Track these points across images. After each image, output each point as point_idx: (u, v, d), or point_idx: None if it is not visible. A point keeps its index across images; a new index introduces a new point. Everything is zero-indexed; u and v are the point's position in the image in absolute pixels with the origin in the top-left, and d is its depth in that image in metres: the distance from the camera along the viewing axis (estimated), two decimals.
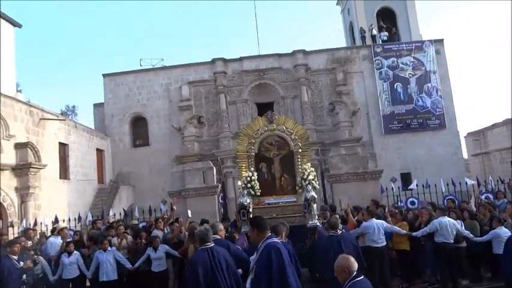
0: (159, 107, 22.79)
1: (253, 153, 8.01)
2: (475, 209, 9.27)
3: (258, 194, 7.72)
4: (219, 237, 5.50)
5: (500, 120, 23.88)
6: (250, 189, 7.60)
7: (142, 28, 65.71)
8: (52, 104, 68.27)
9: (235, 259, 5.10)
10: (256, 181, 7.68)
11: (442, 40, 23.41)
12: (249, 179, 7.68)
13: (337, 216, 7.57)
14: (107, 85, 23.21)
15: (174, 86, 22.79)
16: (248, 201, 7.16)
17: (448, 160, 21.21)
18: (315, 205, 7.10)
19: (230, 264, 4.53)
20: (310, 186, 7.34)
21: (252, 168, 7.89)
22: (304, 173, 7.67)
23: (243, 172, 7.87)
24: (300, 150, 8.02)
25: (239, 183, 8.18)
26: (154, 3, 65.78)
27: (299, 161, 7.95)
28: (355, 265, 3.62)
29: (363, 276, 3.57)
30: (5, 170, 14.02)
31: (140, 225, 10.37)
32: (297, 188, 7.80)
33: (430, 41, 23.09)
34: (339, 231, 5.89)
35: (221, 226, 5.89)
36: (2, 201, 13.87)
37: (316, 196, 7.19)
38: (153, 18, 66.97)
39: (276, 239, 4.40)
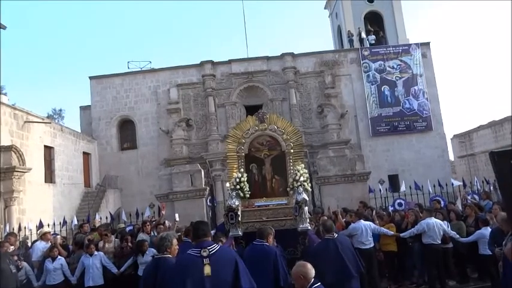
0: (147, 109, 22.63)
1: (243, 154, 7.71)
2: (461, 210, 9.34)
3: (248, 196, 7.45)
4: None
5: (486, 122, 24.27)
6: (239, 191, 7.31)
7: (130, 30, 65.35)
8: (39, 107, 67.39)
9: None
10: (245, 182, 7.40)
11: (429, 43, 23.72)
12: (238, 180, 7.38)
13: (326, 218, 7.58)
14: (94, 88, 22.96)
15: (162, 89, 22.67)
16: (237, 203, 6.84)
17: (434, 162, 21.47)
18: (306, 208, 6.79)
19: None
20: (301, 188, 6.97)
21: (242, 169, 7.61)
22: (296, 174, 7.32)
23: (233, 173, 7.59)
24: (292, 151, 7.70)
25: (227, 184, 7.91)
26: (143, 5, 65.48)
27: (291, 162, 7.65)
28: (312, 272, 3.60)
29: (319, 283, 3.60)
30: None
31: (127, 229, 10.22)
32: (288, 189, 7.47)
33: (417, 44, 23.38)
34: (335, 235, 5.61)
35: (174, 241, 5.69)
36: None
37: (307, 198, 6.91)
38: (141, 21, 66.66)
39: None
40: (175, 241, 4.65)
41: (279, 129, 7.79)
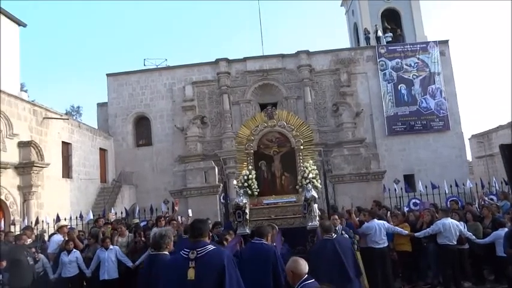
0: (162, 107, 22.82)
1: (252, 151, 7.55)
2: (478, 211, 9.18)
3: (256, 193, 7.30)
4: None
5: (505, 122, 23.69)
6: (247, 189, 7.18)
7: (146, 28, 65.97)
8: (57, 104, 68.74)
9: None
10: (253, 180, 7.27)
11: (447, 41, 23.29)
12: (246, 177, 7.25)
13: (337, 217, 7.49)
14: (111, 85, 23.27)
15: (177, 86, 22.82)
16: (244, 201, 6.73)
17: (451, 162, 21.09)
18: (315, 205, 6.58)
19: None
20: (310, 185, 6.79)
21: (251, 167, 7.46)
22: (305, 171, 7.17)
23: (243, 171, 7.49)
24: (302, 147, 7.50)
25: (234, 182, 7.87)
26: (159, 4, 66.00)
27: (301, 159, 7.45)
28: (303, 267, 3.50)
29: (313, 280, 3.50)
30: (8, 168, 14.08)
31: (141, 224, 10.37)
32: (297, 187, 7.30)
33: (435, 42, 22.98)
34: (334, 235, 5.47)
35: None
36: (4, 199, 13.92)
37: (316, 196, 6.70)
38: (157, 19, 67.24)
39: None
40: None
41: (288, 126, 7.62)
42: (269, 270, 4.70)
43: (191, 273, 3.31)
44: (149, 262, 4.51)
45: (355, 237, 7.32)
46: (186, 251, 3.46)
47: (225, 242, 6.43)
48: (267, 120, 7.70)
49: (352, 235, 7.35)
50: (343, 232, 7.11)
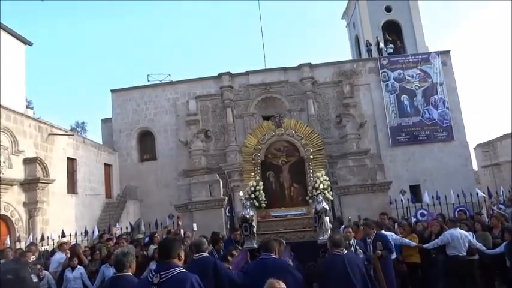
0: (166, 121, 22.90)
1: (260, 161, 7.15)
2: (487, 220, 9.04)
3: (263, 205, 6.95)
4: (206, 254, 5.15)
5: (510, 131, 23.55)
6: (254, 201, 6.82)
7: (149, 44, 66.71)
8: (62, 120, 68.92)
9: (225, 279, 4.76)
10: (261, 191, 6.90)
11: (449, 51, 23.35)
12: (253, 188, 6.90)
13: (351, 229, 7.26)
14: (115, 101, 23.42)
15: (181, 101, 22.93)
16: (251, 213, 6.35)
17: (457, 172, 20.92)
18: (326, 218, 6.17)
19: None
20: (321, 197, 6.38)
21: (258, 177, 7.09)
22: (316, 181, 6.75)
23: (250, 182, 7.14)
24: (312, 157, 7.10)
25: (240, 193, 7.39)
26: (161, 20, 66.87)
27: (311, 169, 7.07)
28: None
29: None
30: (14, 185, 14.08)
31: (146, 239, 10.28)
32: (307, 198, 6.89)
33: (437, 52, 23.04)
34: (344, 251, 4.97)
35: (206, 244, 5.40)
36: (10, 216, 13.89)
37: (328, 208, 6.29)
38: (160, 35, 68.02)
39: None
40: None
41: (296, 134, 7.20)
42: (292, 282, 4.42)
43: None
44: (111, 285, 4.06)
45: (377, 253, 6.81)
46: (152, 274, 3.19)
47: (230, 258, 6.11)
48: (274, 128, 7.32)
49: (365, 250, 6.96)
50: (357, 247, 6.72)
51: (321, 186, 6.62)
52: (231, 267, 5.66)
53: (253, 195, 6.80)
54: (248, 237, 6.22)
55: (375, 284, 5.02)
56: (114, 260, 4.20)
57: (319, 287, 4.70)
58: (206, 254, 5.16)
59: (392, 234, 7.73)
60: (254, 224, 6.32)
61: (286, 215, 6.85)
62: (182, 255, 3.41)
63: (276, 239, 5.59)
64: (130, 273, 4.00)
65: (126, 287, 3.76)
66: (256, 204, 6.80)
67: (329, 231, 6.10)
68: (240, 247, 6.60)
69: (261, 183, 6.97)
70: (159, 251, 3.39)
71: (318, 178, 6.78)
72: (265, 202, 6.91)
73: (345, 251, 4.96)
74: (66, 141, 18.04)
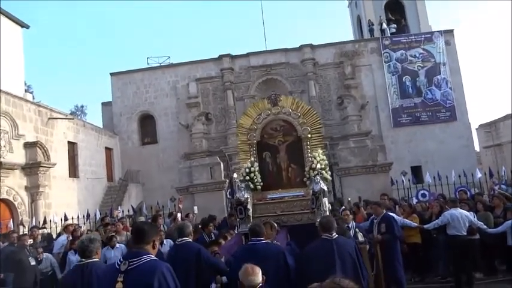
0: (166, 104, 22.79)
1: (255, 141, 6.83)
2: (489, 200, 9.03)
3: (259, 187, 6.64)
4: (189, 239, 4.98)
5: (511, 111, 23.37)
6: (249, 182, 6.51)
7: (149, 27, 65.95)
8: (62, 104, 68.96)
9: (209, 267, 4.64)
10: (256, 173, 6.60)
11: (452, 31, 22.99)
12: (248, 170, 6.59)
13: (348, 212, 7.17)
14: (115, 84, 23.27)
15: (181, 84, 22.77)
16: (246, 196, 6.08)
17: (459, 152, 20.85)
18: (325, 199, 5.89)
19: None
20: (318, 177, 6.10)
21: (253, 158, 6.77)
22: (313, 161, 6.48)
23: (244, 164, 6.83)
24: (309, 136, 6.77)
25: (235, 175, 7.38)
26: (160, 2, 65.91)
27: (309, 148, 6.75)
28: (255, 277, 3.16)
29: None
30: (15, 169, 14.11)
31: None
32: (305, 179, 6.57)
33: (440, 31, 22.69)
34: (334, 235, 4.51)
35: (190, 228, 5.20)
36: (12, 200, 13.96)
37: (326, 189, 6.04)
38: (159, 17, 67.16)
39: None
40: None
41: (293, 113, 6.82)
42: (283, 267, 4.23)
43: None
44: (79, 273, 3.80)
45: (376, 237, 6.64)
46: (120, 261, 2.92)
47: (222, 241, 5.97)
48: (270, 107, 6.92)
49: (370, 231, 6.96)
50: (357, 230, 6.60)
51: (318, 166, 6.35)
52: (220, 252, 5.57)
53: (248, 177, 6.53)
54: (243, 221, 5.93)
55: (366, 273, 4.71)
56: (79, 247, 4.03)
57: (301, 275, 4.28)
58: (189, 239, 5.02)
59: (393, 215, 7.71)
60: (249, 206, 6.06)
61: (284, 197, 6.55)
62: (157, 243, 3.16)
63: (267, 222, 5.38)
64: (98, 259, 3.89)
65: (97, 273, 3.62)
66: (252, 186, 6.52)
67: (327, 213, 5.85)
68: (234, 231, 6.43)
69: (256, 164, 6.69)
70: (133, 235, 3.08)
71: (315, 158, 6.52)
72: (261, 184, 6.64)
73: (335, 235, 4.51)
74: (67, 125, 17.99)
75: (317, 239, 4.60)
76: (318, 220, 5.20)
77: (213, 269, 4.80)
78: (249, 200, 6.11)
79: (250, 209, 6.08)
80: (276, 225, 5.38)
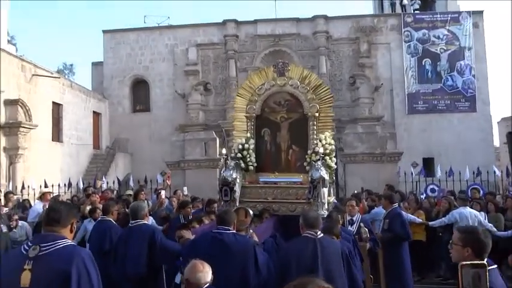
0: (162, 70, 22.58)
1: (254, 115, 6.36)
2: (502, 201, 9.04)
3: (251, 168, 6.23)
4: (144, 221, 4.94)
5: None
6: (241, 161, 6.07)
7: None
8: (49, 61, 68.28)
9: (162, 251, 4.58)
10: (251, 151, 6.18)
11: (482, 12, 22.57)
12: (241, 147, 6.17)
13: (354, 203, 6.96)
14: (107, 43, 22.99)
15: (180, 48, 22.50)
16: (234, 176, 5.67)
17: (476, 146, 20.79)
18: (324, 189, 5.47)
19: None
20: (319, 163, 5.54)
21: (249, 134, 6.32)
22: (317, 144, 5.95)
23: (238, 139, 6.40)
24: (317, 114, 6.22)
25: (223, 151, 6.66)
26: None
27: (315, 129, 6.23)
28: (204, 275, 3.08)
29: None
30: None
31: None
32: (305, 164, 6.06)
33: (468, 12, 22.26)
34: (319, 233, 4.07)
35: (146, 210, 5.11)
36: None
37: (327, 177, 5.58)
38: None
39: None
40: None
41: (302, 86, 6.26)
42: (252, 264, 3.88)
43: (25, 278, 2.51)
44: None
45: (364, 243, 5.97)
46: (28, 246, 2.62)
47: (196, 225, 5.64)
48: (276, 77, 6.38)
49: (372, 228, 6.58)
50: (361, 224, 6.20)
51: (321, 150, 5.83)
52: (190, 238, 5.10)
53: (240, 155, 6.13)
54: (228, 204, 5.56)
55: (359, 279, 4.32)
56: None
57: (279, 276, 3.92)
58: (144, 221, 4.96)
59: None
60: (237, 188, 5.71)
61: (278, 182, 6.14)
62: (75, 226, 2.90)
63: (241, 208, 5.08)
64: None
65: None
66: (243, 165, 6.12)
67: (326, 205, 5.57)
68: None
69: (252, 140, 6.29)
70: (46, 216, 2.81)
71: (320, 140, 6.05)
72: (254, 164, 6.24)
73: (320, 234, 4.08)
74: (52, 83, 17.86)
75: (298, 236, 4.20)
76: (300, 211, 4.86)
77: (166, 253, 4.70)
78: (237, 180, 5.74)
79: (238, 192, 5.74)
80: (251, 212, 5.01)
